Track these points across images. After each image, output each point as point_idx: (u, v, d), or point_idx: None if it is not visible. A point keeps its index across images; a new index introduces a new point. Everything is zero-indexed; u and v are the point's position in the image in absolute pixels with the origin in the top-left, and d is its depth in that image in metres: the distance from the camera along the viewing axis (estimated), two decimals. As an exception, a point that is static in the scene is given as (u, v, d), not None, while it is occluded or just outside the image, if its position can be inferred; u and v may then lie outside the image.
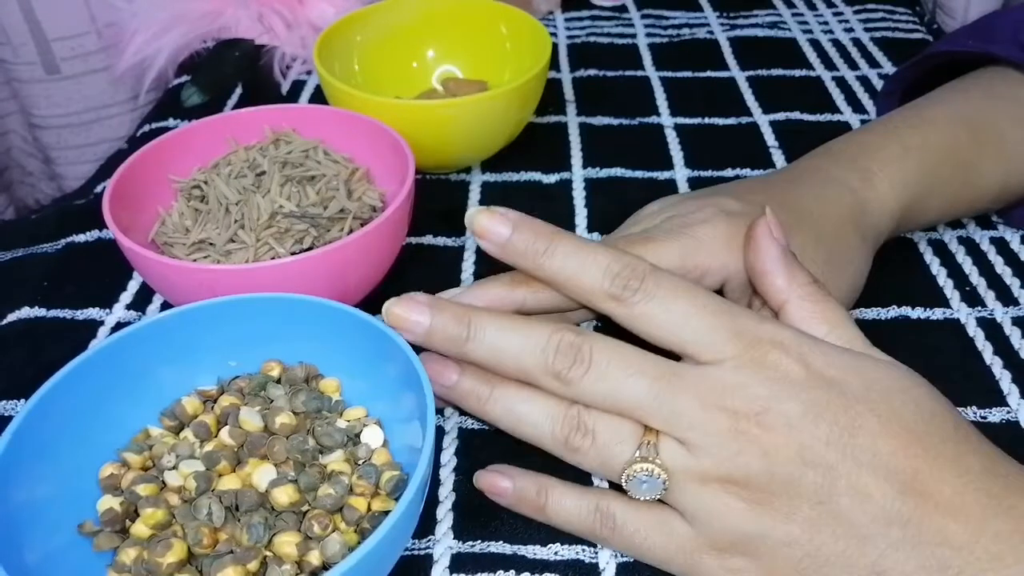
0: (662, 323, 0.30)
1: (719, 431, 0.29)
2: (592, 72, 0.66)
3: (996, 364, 0.41)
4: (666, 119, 0.60)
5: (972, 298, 0.44)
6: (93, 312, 0.45)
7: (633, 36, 0.72)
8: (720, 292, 0.38)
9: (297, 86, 0.65)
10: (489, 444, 0.37)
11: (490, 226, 0.32)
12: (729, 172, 0.54)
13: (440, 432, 0.38)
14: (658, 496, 0.30)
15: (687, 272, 0.36)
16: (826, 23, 0.73)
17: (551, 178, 0.54)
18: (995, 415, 0.38)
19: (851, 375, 0.30)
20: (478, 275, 0.46)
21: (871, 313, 0.43)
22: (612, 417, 0.31)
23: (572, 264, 0.32)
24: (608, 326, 0.33)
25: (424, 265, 0.47)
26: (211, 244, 0.43)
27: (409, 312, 0.33)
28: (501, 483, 0.34)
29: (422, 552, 0.33)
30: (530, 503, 0.33)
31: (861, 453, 0.28)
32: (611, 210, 0.50)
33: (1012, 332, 0.42)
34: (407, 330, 0.33)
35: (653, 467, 0.30)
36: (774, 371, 0.29)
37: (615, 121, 0.60)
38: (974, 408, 0.39)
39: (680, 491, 0.30)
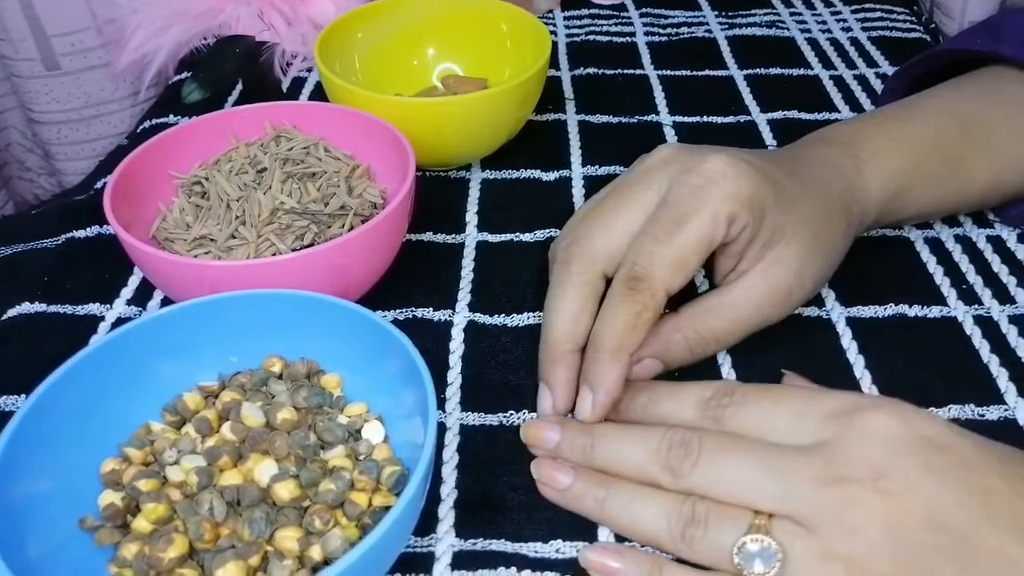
0: (753, 429, 0.32)
1: (834, 504, 0.28)
2: (591, 70, 0.66)
3: (993, 362, 0.41)
4: (665, 117, 0.60)
5: (969, 296, 0.45)
6: (93, 308, 0.45)
7: (632, 35, 0.72)
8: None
9: (298, 83, 0.65)
10: (492, 442, 0.37)
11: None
12: (728, 170, 0.54)
13: (442, 428, 0.38)
14: (773, 571, 0.28)
15: (728, 221, 0.35)
16: (824, 22, 0.74)
17: (550, 176, 0.54)
18: (992, 413, 0.38)
19: (957, 439, 0.28)
20: (477, 272, 0.46)
21: (868, 311, 0.44)
22: (724, 506, 0.30)
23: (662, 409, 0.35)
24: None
25: (424, 262, 0.47)
26: (212, 240, 0.43)
27: (541, 430, 0.35)
28: (611, 563, 0.31)
29: (424, 549, 0.33)
30: None
31: (998, 516, 0.26)
32: (610, 208, 0.50)
33: (1009, 330, 0.42)
34: (541, 446, 0.36)
35: (765, 538, 0.28)
36: (882, 433, 0.28)
37: (614, 119, 0.60)
38: (971, 406, 0.39)
39: (801, 575, 0.28)
